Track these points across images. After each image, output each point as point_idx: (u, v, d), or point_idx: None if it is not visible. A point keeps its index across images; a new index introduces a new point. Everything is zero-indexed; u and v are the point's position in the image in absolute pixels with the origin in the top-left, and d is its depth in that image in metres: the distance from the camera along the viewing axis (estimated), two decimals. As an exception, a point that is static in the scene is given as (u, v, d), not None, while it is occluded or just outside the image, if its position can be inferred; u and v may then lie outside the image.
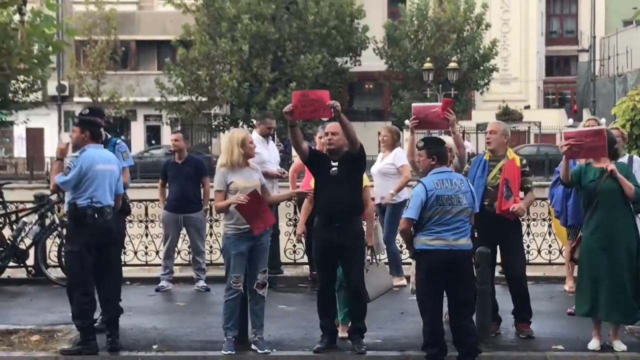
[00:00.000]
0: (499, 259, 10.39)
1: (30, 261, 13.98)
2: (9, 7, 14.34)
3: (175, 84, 48.21)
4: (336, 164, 9.45)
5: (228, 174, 9.51)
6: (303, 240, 11.25)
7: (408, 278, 11.80)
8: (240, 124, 46.25)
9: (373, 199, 12.76)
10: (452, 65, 46.93)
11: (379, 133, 13.44)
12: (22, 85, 47.25)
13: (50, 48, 14.00)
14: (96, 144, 9.75)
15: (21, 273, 14.22)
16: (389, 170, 13.03)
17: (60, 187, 9.73)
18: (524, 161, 10.22)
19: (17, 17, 16.28)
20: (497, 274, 10.81)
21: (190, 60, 47.80)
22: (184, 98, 48.72)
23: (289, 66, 47.47)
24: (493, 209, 9.90)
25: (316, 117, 9.54)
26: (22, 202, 14.62)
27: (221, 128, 50.29)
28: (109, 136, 10.67)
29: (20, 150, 57.16)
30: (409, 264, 11.61)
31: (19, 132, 56.31)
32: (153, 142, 57.95)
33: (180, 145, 13.29)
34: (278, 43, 47.75)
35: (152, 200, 14.61)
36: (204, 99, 48.58)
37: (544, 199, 14.36)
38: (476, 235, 9.59)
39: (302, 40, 47.68)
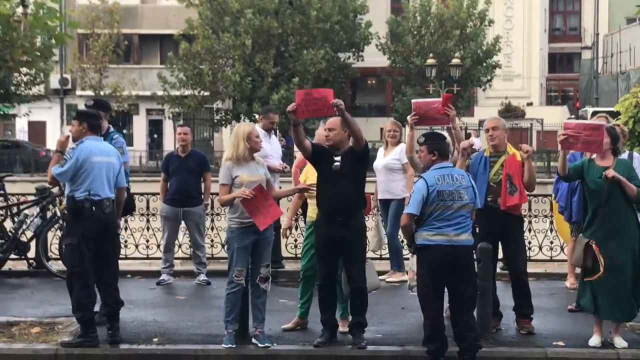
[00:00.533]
0: (500, 255, 10.40)
1: (31, 253, 14.00)
2: (12, -1, 14.36)
3: (178, 78, 48.16)
4: (339, 158, 9.46)
5: (233, 168, 9.51)
6: (288, 234, 11.22)
7: (409, 273, 11.79)
8: (243, 118, 46.19)
9: (372, 194, 12.80)
10: (455, 61, 46.84)
11: (381, 129, 13.43)
12: (25, 78, 47.26)
13: (53, 40, 14.01)
14: (95, 136, 9.73)
15: (22, 265, 14.23)
16: (395, 165, 13.02)
17: (57, 179, 9.72)
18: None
19: (20, 10, 16.30)
20: (498, 269, 10.82)
21: (193, 55, 47.76)
22: (187, 92, 48.67)
23: (291, 61, 47.41)
24: (496, 205, 9.89)
25: (319, 115, 9.56)
26: (23, 195, 14.62)
27: (223, 122, 50.28)
28: (111, 129, 10.67)
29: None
30: (407, 259, 11.61)
31: (21, 125, 56.36)
32: (155, 136, 57.98)
33: (189, 139, 13.33)
34: (281, 38, 47.71)
35: (153, 194, 14.61)
36: (206, 94, 48.51)
37: (545, 196, 14.39)
38: (477, 231, 9.58)
39: (305, 35, 47.61)
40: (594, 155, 9.66)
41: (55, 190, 13.45)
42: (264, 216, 9.39)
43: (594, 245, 9.35)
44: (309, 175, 10.18)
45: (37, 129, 56.25)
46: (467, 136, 45.50)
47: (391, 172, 13.08)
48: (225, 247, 11.73)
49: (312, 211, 10.09)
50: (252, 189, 9.30)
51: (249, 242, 9.50)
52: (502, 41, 52.55)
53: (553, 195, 12.58)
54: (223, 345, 9.48)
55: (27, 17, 14.06)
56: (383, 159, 13.21)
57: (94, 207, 9.46)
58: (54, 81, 54.77)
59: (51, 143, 51.89)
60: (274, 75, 46.86)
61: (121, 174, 9.89)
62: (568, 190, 11.80)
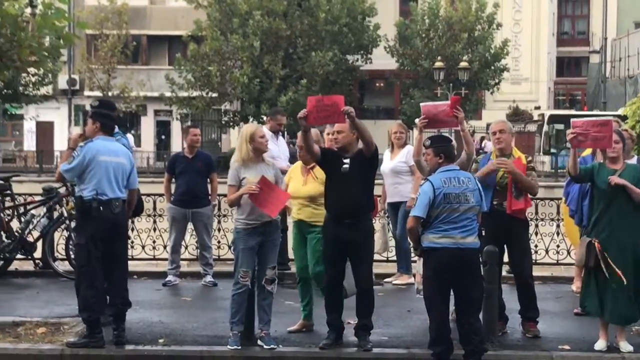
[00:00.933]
0: (506, 258, 10.38)
1: (37, 254, 14.00)
2: (20, -1, 14.40)
3: (186, 80, 48.22)
4: (347, 161, 9.47)
5: (241, 169, 9.52)
6: None
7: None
8: (251, 120, 46.22)
9: (379, 197, 12.77)
10: (463, 64, 46.88)
11: (389, 131, 13.41)
12: (33, 79, 47.39)
13: (61, 41, 14.02)
14: (106, 136, 9.74)
15: (28, 265, 14.25)
16: (402, 168, 12.99)
17: (64, 176, 9.72)
18: (529, 157, 10.28)
19: (28, 10, 16.35)
20: (504, 273, 10.80)
21: (201, 56, 47.79)
22: (195, 93, 48.72)
23: (300, 63, 47.43)
24: (502, 209, 9.88)
25: (330, 122, 9.56)
26: (30, 195, 14.64)
27: (231, 124, 50.33)
28: (116, 130, 10.66)
29: (30, 143, 57.35)
30: (414, 262, 11.60)
31: (29, 125, 56.47)
32: (163, 137, 58.04)
33: (200, 140, 13.39)
34: (289, 40, 47.72)
35: (160, 195, 14.62)
36: (214, 95, 48.55)
37: (552, 199, 14.36)
38: (483, 234, 9.57)
39: (313, 37, 47.61)
40: (605, 160, 9.65)
41: (62, 190, 13.47)
42: (274, 205, 9.41)
43: (596, 244, 9.34)
44: (292, 176, 10.24)
45: (45, 130, 56.36)
46: (481, 140, 45.67)
47: (399, 175, 13.05)
48: (232, 248, 11.73)
49: (295, 211, 10.16)
50: (257, 183, 9.31)
51: (255, 243, 9.50)
52: (510, 44, 52.56)
53: (563, 199, 12.50)
54: (228, 346, 9.48)
55: (35, 18, 14.09)
56: (390, 162, 13.17)
57: (101, 207, 9.44)
58: (62, 82, 54.91)
59: (59, 144, 52.03)
60: (282, 77, 46.88)
61: (133, 175, 9.84)
62: (579, 194, 11.68)
